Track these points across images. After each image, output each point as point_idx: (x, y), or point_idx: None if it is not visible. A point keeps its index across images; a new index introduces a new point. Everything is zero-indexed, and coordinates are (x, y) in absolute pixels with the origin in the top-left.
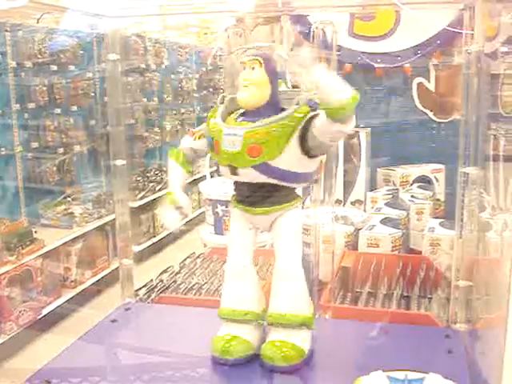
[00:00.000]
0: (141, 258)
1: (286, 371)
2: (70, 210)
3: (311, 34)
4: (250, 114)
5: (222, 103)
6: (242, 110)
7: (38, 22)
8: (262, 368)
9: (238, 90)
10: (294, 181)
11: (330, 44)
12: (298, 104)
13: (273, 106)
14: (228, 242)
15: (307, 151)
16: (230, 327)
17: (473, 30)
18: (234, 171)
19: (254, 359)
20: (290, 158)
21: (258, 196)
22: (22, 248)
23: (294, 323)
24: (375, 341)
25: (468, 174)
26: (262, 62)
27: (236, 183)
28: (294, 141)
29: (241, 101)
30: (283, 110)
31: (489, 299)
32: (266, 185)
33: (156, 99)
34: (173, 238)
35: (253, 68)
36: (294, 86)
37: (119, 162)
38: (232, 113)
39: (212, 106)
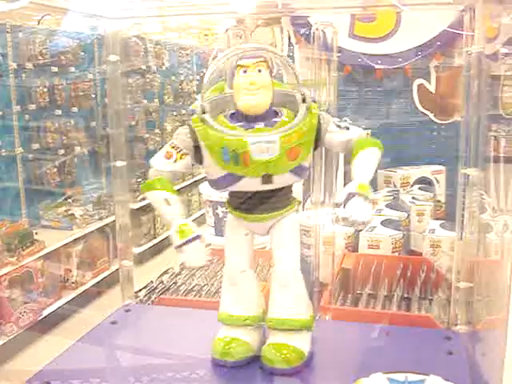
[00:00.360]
0: (141, 259)
1: (286, 373)
2: (70, 212)
3: (311, 35)
4: (251, 119)
5: (204, 113)
6: (228, 115)
7: (38, 24)
8: (261, 370)
9: (235, 92)
10: (306, 176)
11: (331, 45)
12: (304, 102)
13: (270, 108)
14: (225, 248)
15: (316, 143)
16: (229, 329)
17: (473, 32)
18: (268, 180)
19: (253, 361)
20: (311, 154)
21: (255, 203)
22: (23, 249)
23: (294, 327)
24: (375, 342)
25: (468, 175)
26: (268, 64)
27: (234, 191)
28: (314, 137)
29: (249, 106)
30: (275, 112)
31: (489, 301)
32: (265, 191)
33: (157, 100)
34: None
35: (259, 71)
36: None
37: (119, 163)
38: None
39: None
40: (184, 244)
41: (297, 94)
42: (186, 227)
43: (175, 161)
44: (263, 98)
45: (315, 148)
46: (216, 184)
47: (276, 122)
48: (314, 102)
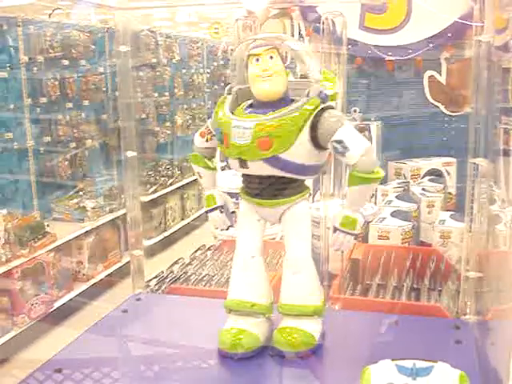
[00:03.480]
0: (152, 252)
1: (295, 359)
2: (82, 204)
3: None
4: (261, 106)
5: (230, 94)
6: (249, 102)
7: (49, 17)
8: (270, 359)
9: (250, 82)
10: (303, 173)
11: (340, 35)
12: (308, 95)
13: (285, 96)
14: (236, 234)
15: (317, 144)
16: (236, 320)
17: (483, 22)
18: (243, 164)
19: (261, 351)
20: (300, 151)
21: (266, 189)
22: (35, 242)
23: (305, 313)
24: (385, 331)
25: (478, 165)
26: (279, 51)
27: (245, 175)
28: (305, 133)
29: (262, 92)
30: (293, 100)
31: (498, 291)
32: (275, 177)
33: (167, 94)
34: (184, 232)
35: (270, 57)
36: (302, 77)
37: (130, 154)
38: (240, 104)
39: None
40: (208, 212)
41: (307, 89)
42: (211, 198)
43: (206, 140)
44: (276, 84)
45: (318, 147)
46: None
47: (273, 110)
48: (323, 98)
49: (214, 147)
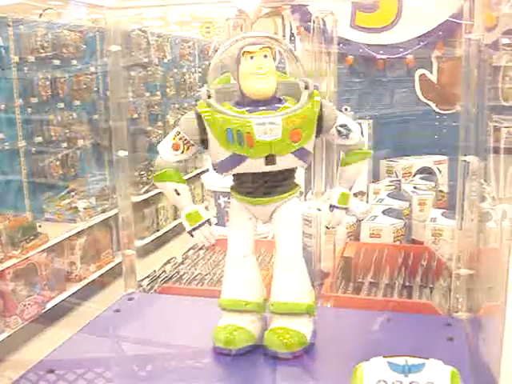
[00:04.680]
0: (145, 252)
1: (288, 358)
2: (73, 205)
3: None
4: (256, 104)
5: (210, 97)
6: (232, 103)
7: (40, 17)
8: (264, 357)
9: (243, 79)
10: (309, 161)
11: (331, 34)
12: (307, 88)
13: (274, 95)
14: (228, 233)
15: (318, 132)
16: (230, 318)
17: (473, 20)
18: (270, 161)
19: (255, 349)
20: (312, 140)
21: (259, 187)
22: (27, 242)
23: (296, 311)
24: (377, 329)
25: (468, 162)
26: (273, 51)
27: (237, 174)
28: (316, 123)
29: (258, 90)
30: (279, 99)
31: (489, 288)
32: (269, 174)
33: (159, 93)
34: (176, 232)
35: (265, 56)
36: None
37: (121, 153)
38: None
39: None
40: (193, 230)
41: (300, 83)
42: (195, 214)
43: (182, 152)
44: (270, 83)
45: (316, 136)
46: (221, 167)
47: (279, 107)
48: (317, 90)
49: (188, 158)
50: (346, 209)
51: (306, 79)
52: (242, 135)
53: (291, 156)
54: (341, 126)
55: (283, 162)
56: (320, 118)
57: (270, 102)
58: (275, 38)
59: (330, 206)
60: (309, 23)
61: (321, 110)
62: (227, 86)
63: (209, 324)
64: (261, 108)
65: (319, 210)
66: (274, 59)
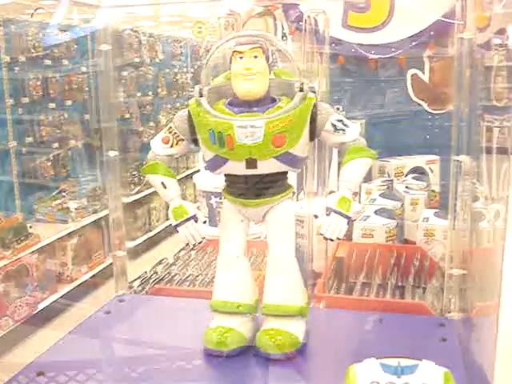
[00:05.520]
0: (136, 252)
1: (280, 359)
2: (65, 205)
3: (303, 23)
4: (247, 105)
5: (202, 96)
6: (226, 101)
7: (31, 17)
8: (255, 358)
9: (233, 78)
10: (299, 166)
11: (323, 33)
12: (301, 90)
13: (267, 95)
14: (220, 234)
15: (311, 135)
16: (222, 319)
17: (465, 19)
18: (252, 165)
19: (246, 351)
20: (302, 144)
21: (251, 188)
22: (18, 243)
23: (289, 313)
24: (369, 330)
25: (461, 162)
26: (263, 50)
27: (229, 175)
28: (307, 126)
29: (246, 91)
30: (273, 99)
31: (482, 288)
32: (261, 176)
33: (151, 93)
34: (168, 232)
35: (255, 57)
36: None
37: (112, 154)
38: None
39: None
40: (178, 225)
41: (295, 84)
42: (181, 209)
43: (171, 146)
44: (259, 84)
45: (311, 139)
46: (209, 166)
47: (268, 108)
48: (314, 92)
49: (177, 153)
50: (346, 217)
51: (303, 80)
52: (222, 137)
53: (274, 161)
54: (337, 120)
55: (265, 167)
56: (313, 121)
57: (263, 102)
58: (267, 38)
59: (327, 208)
60: (300, 23)
61: (315, 111)
62: (225, 85)
63: (200, 325)
64: (250, 109)
65: (316, 216)
66: (268, 59)
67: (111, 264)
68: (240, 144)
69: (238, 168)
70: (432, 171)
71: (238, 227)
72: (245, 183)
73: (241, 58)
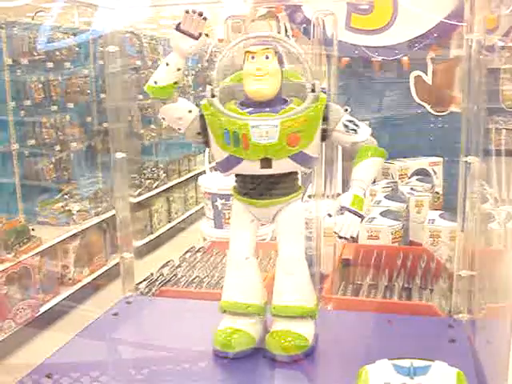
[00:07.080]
0: (138, 255)
1: (289, 361)
2: (67, 208)
3: (311, 24)
4: (259, 105)
5: (214, 97)
6: (238, 101)
7: (33, 19)
8: (263, 360)
9: (244, 79)
10: (312, 166)
11: (330, 35)
12: (313, 91)
13: (279, 96)
14: (230, 235)
15: (323, 135)
16: (231, 320)
17: (473, 21)
18: (266, 164)
19: (255, 353)
20: (315, 144)
21: (262, 188)
22: (20, 246)
23: (298, 314)
24: (378, 331)
25: (470, 163)
26: (275, 51)
27: (239, 175)
28: (320, 126)
29: (257, 91)
30: (285, 100)
31: (493, 289)
32: (273, 176)
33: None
34: (169, 235)
35: (267, 57)
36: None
37: (119, 155)
38: (224, 104)
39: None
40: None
41: (307, 84)
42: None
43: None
44: (270, 85)
45: (323, 139)
46: (221, 166)
47: (282, 108)
48: (324, 93)
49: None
50: (360, 216)
51: (314, 81)
52: (238, 137)
53: (288, 160)
54: (348, 120)
55: (280, 166)
56: (324, 121)
57: (275, 103)
58: (278, 39)
59: (341, 207)
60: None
61: (326, 112)
62: (236, 85)
63: (207, 327)
64: (262, 110)
65: (329, 215)
66: (280, 60)
67: (113, 266)
68: (255, 144)
69: (251, 168)
70: (435, 173)
71: (248, 227)
72: (257, 183)
73: (253, 58)
